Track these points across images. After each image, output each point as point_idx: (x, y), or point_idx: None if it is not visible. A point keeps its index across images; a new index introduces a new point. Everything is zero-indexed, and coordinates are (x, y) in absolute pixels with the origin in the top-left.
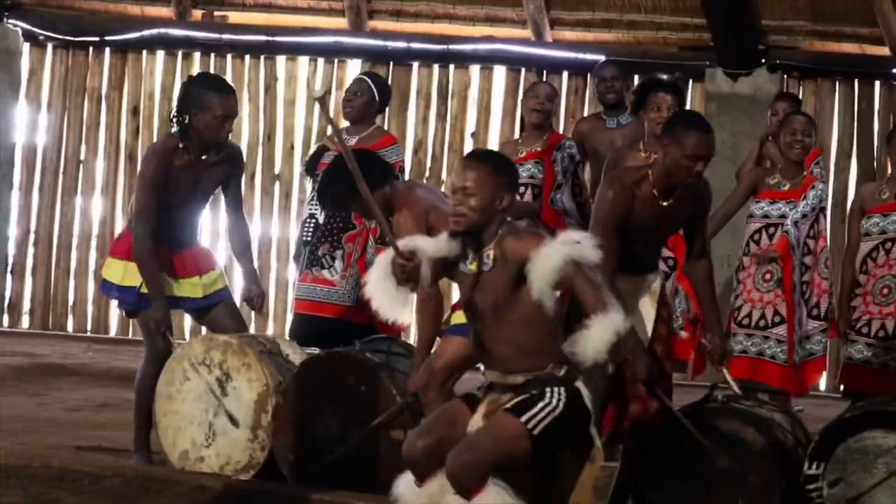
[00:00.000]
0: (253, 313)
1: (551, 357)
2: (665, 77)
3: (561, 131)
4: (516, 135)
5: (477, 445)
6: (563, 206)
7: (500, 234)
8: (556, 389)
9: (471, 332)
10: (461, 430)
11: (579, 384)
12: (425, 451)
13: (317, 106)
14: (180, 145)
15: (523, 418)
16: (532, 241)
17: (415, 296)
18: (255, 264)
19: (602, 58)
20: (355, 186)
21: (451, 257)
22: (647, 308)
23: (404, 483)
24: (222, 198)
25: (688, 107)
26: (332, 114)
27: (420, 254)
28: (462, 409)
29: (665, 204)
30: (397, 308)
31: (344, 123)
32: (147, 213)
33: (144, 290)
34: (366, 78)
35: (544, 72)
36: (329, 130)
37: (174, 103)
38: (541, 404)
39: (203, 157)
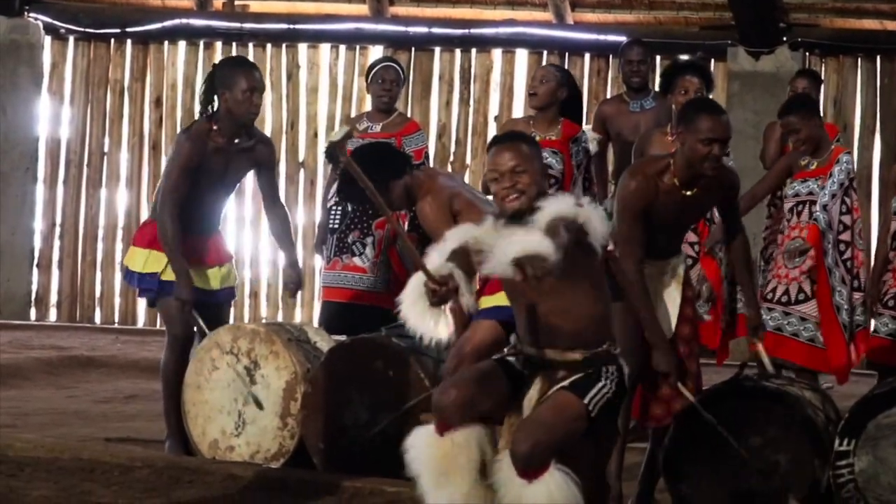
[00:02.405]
0: (281, 300)
1: (607, 334)
2: (692, 59)
3: (584, 113)
4: None
5: (546, 425)
6: None
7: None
8: (610, 369)
9: (520, 311)
10: (495, 393)
11: (622, 361)
12: (457, 402)
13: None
14: (214, 128)
15: (586, 399)
16: (570, 201)
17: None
18: (281, 254)
19: (624, 39)
20: (373, 183)
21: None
22: (673, 292)
23: (423, 430)
24: (245, 187)
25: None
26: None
27: (467, 247)
28: (497, 371)
29: (689, 193)
30: (435, 328)
31: (367, 108)
32: (176, 194)
33: (165, 276)
34: (395, 65)
35: (566, 54)
36: (336, 121)
37: (199, 93)
38: (599, 385)
39: (235, 142)
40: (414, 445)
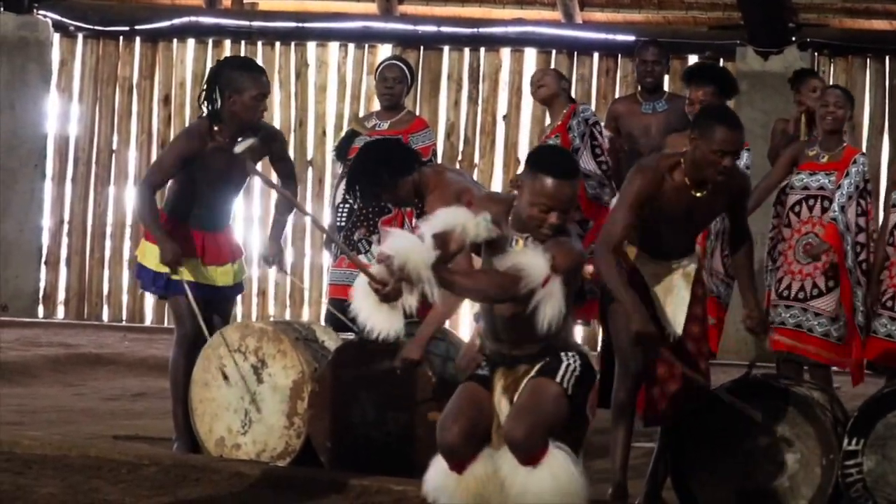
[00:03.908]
0: (288, 305)
1: (563, 330)
2: (705, 62)
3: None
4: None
5: (532, 409)
6: (588, 168)
7: None
8: (569, 353)
9: (485, 310)
10: (487, 411)
11: (584, 348)
12: (462, 435)
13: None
14: (215, 128)
15: (557, 378)
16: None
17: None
18: (290, 252)
19: (632, 38)
20: (380, 182)
21: (489, 238)
22: (682, 292)
23: (438, 474)
24: (253, 186)
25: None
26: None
27: (459, 234)
28: (478, 389)
29: (698, 195)
30: (388, 323)
31: (376, 106)
32: (158, 174)
33: (174, 276)
34: (400, 63)
35: (575, 53)
36: (344, 119)
37: (203, 91)
38: (563, 365)
39: (238, 140)
40: (438, 490)
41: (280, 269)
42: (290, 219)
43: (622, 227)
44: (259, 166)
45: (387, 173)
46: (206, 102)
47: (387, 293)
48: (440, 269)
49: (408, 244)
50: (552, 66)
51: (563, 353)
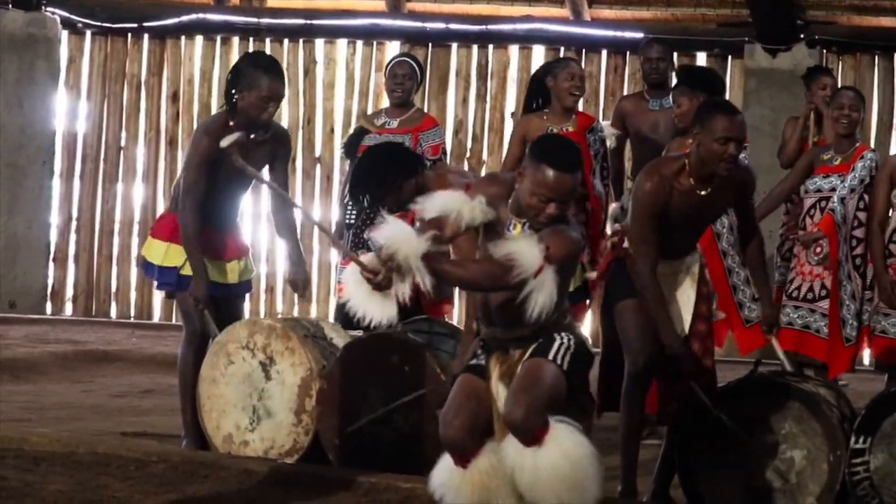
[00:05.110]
0: (296, 296)
1: (555, 310)
2: (691, 66)
3: (601, 110)
4: None
5: (528, 389)
6: (599, 190)
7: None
8: (562, 333)
9: (481, 296)
10: (486, 401)
11: (581, 332)
12: (463, 428)
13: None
14: (230, 123)
15: (550, 356)
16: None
17: (395, 293)
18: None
19: (641, 35)
20: (385, 183)
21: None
22: (688, 290)
23: (444, 471)
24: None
25: (727, 82)
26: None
27: (458, 216)
28: (475, 381)
29: (704, 193)
30: (381, 310)
31: (384, 104)
32: (195, 190)
33: (184, 271)
34: (409, 60)
35: (583, 50)
36: (352, 116)
37: (224, 82)
38: (556, 344)
39: (251, 137)
40: (443, 486)
41: (301, 295)
42: (297, 216)
43: (650, 244)
44: (265, 172)
45: (390, 177)
46: (225, 96)
47: (378, 282)
48: (431, 259)
49: (399, 233)
50: None
51: (555, 334)
